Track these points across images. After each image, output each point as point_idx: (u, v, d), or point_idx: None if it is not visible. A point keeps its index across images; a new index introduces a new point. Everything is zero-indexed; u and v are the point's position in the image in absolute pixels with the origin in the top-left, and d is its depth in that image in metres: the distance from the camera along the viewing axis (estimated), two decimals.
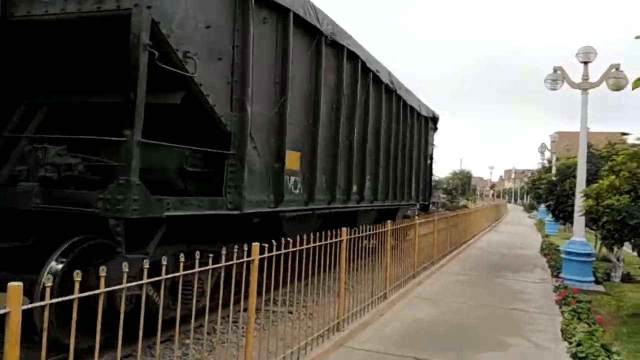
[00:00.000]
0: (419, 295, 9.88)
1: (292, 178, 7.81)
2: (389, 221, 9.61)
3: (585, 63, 12.05)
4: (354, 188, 10.33)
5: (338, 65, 9.42)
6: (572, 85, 12.15)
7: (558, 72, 12.34)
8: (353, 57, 10.06)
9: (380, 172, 12.16)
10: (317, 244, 6.07)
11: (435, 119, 18.55)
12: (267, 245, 4.88)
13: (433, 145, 19.01)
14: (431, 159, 18.77)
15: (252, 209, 6.74)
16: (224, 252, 4.30)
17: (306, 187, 8.31)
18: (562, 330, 7.66)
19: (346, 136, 9.88)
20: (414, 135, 15.45)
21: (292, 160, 7.75)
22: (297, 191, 7.96)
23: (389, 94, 12.66)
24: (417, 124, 15.99)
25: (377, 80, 11.64)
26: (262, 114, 7.02)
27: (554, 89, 12.20)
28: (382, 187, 12.40)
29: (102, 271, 3.05)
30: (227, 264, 4.31)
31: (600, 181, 9.12)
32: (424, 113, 16.63)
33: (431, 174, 18.92)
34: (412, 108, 14.97)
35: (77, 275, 2.81)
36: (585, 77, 12.08)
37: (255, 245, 4.73)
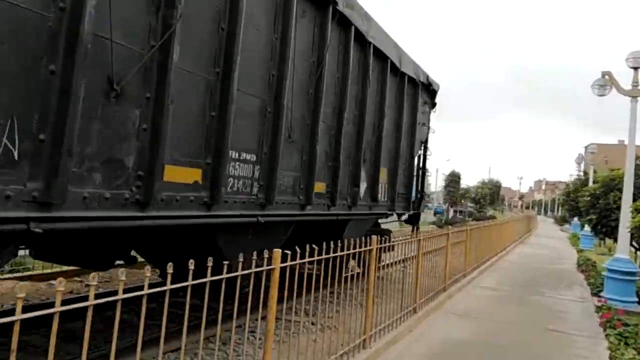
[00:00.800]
0: (450, 310, 9.27)
1: None
2: (420, 230, 9.03)
3: (636, 69, 11.26)
4: (195, 177, 4.96)
5: None
6: (621, 91, 11.38)
7: (606, 77, 11.59)
8: None
9: (299, 151, 6.89)
10: (345, 252, 5.54)
11: (430, 88, 12.41)
12: (289, 252, 4.38)
13: (428, 128, 12.71)
14: (425, 147, 12.68)
15: None
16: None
17: None
18: (610, 358, 6.99)
19: (193, 58, 4.82)
20: (384, 102, 9.59)
21: None
22: None
23: (325, 11, 7.19)
24: (396, 86, 10.37)
25: None
26: None
27: (602, 95, 11.44)
28: (302, 180, 6.96)
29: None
30: (243, 272, 3.82)
31: None
32: (409, 72, 10.78)
33: (424, 170, 12.73)
34: (381, 55, 9.31)
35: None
36: (636, 83, 11.29)
37: (277, 252, 4.24)
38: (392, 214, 11.05)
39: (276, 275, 4.23)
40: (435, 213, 64.94)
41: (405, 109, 10.79)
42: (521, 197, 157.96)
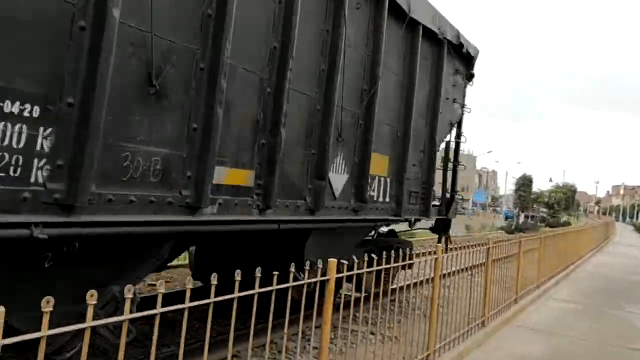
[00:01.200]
0: (521, 324, 8.64)
1: None
2: (489, 236, 8.47)
3: None
4: None
5: None
6: None
7: None
8: None
9: (181, 112, 4.01)
10: (407, 262, 5.17)
11: (463, 51, 8.91)
12: (345, 262, 4.07)
13: (462, 106, 9.45)
14: (458, 133, 9.53)
15: None
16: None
17: None
18: None
19: None
20: (378, 56, 6.51)
21: None
22: None
23: None
24: (403, 38, 7.24)
25: None
26: None
27: None
28: (189, 163, 4.07)
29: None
30: (295, 284, 3.54)
31: None
32: (426, 22, 7.51)
33: (455, 162, 9.49)
34: None
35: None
36: None
37: (332, 262, 3.93)
38: (398, 221, 7.84)
39: (331, 287, 3.92)
40: (506, 218, 63.09)
41: (419, 74, 7.54)
42: (598, 202, 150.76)
